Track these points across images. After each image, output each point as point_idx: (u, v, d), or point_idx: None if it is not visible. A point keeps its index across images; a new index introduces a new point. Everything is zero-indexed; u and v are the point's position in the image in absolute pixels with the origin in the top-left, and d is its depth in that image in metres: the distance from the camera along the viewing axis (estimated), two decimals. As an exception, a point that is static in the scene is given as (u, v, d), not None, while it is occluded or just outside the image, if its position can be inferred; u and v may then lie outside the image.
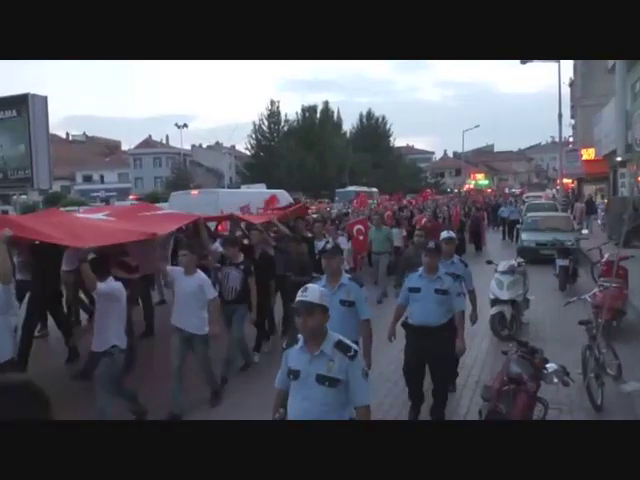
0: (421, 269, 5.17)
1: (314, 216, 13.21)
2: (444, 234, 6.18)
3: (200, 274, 5.75)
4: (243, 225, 9.41)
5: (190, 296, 5.63)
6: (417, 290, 5.08)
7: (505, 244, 20.12)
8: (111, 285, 5.08)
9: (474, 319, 6.26)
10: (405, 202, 23.42)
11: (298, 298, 2.95)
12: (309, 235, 9.45)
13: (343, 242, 10.02)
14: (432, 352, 4.97)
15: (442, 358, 5.05)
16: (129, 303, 7.43)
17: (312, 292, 2.97)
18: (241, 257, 6.73)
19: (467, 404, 5.61)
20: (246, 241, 8.31)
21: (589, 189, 29.89)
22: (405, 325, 5.25)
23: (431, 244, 5.23)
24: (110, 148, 74.00)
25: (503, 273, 8.40)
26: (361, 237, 11.93)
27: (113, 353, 5.01)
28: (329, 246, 4.83)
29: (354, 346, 2.98)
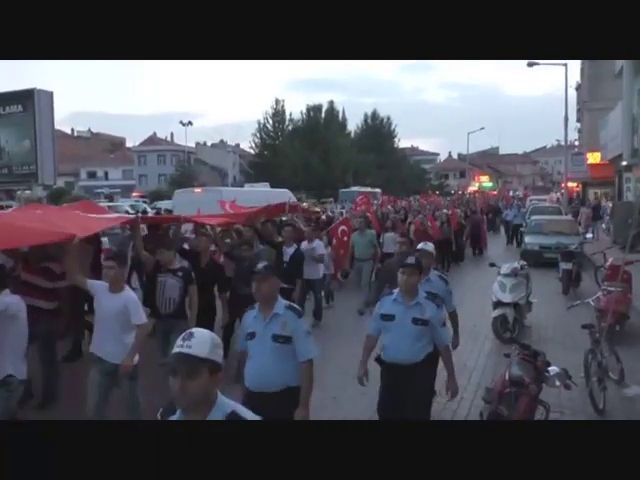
0: (396, 291, 4.18)
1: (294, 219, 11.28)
2: (420, 245, 5.23)
3: (128, 292, 4.66)
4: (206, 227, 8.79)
5: (112, 319, 4.53)
6: (391, 318, 4.11)
7: (509, 249, 19.51)
8: (4, 300, 4.11)
9: (455, 344, 5.25)
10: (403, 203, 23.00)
11: (175, 349, 2.04)
12: (278, 240, 8.07)
13: (320, 247, 8.97)
14: (408, 392, 4.06)
15: (420, 398, 4.14)
16: (55, 317, 5.84)
17: (199, 340, 2.03)
18: (178, 262, 5.72)
19: (468, 406, 5.61)
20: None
21: (594, 193, 29.79)
22: (379, 361, 4.29)
23: (410, 259, 4.19)
24: (115, 145, 74.13)
25: (506, 276, 8.40)
26: (345, 238, 11.05)
27: (9, 383, 4.07)
28: (260, 266, 3.60)
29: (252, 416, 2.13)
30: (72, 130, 75.17)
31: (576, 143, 45.20)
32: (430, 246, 5.19)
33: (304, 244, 8.62)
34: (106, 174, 63.11)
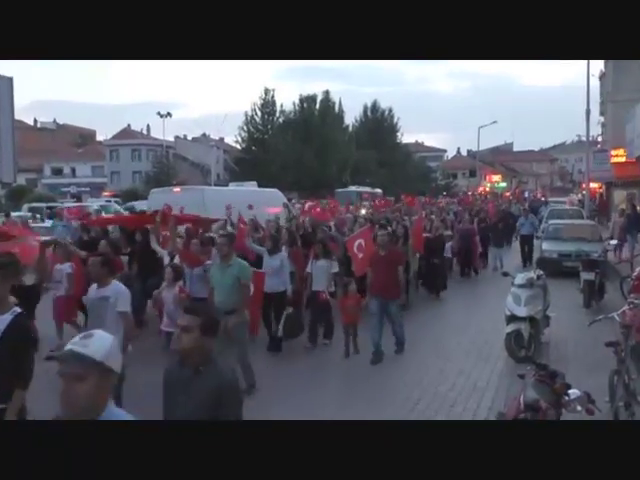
0: None
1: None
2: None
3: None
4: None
5: None
6: None
7: (519, 266, 15.79)
8: None
9: None
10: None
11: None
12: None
13: (121, 297, 5.43)
14: None
15: None
16: None
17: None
18: None
19: (478, 434, 5.59)
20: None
21: (620, 195, 29.94)
22: None
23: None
24: (83, 138, 74.09)
25: (521, 287, 8.40)
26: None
27: None
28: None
29: None
30: (35, 121, 75.20)
31: (599, 139, 45.52)
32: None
33: (92, 290, 5.63)
34: (73, 170, 62.99)
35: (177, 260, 8.43)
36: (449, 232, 15.03)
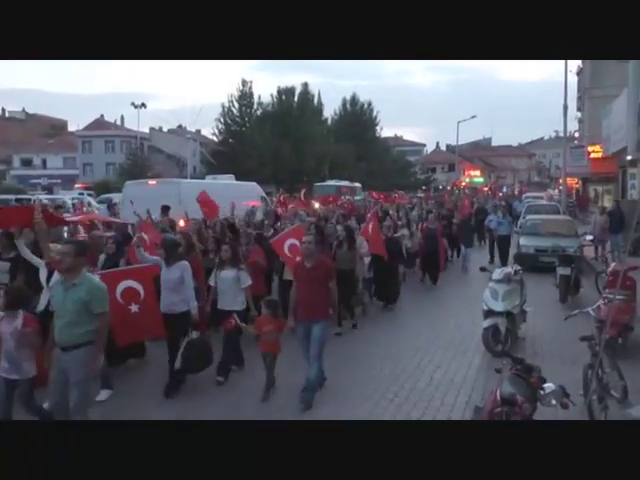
0: None
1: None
2: None
3: None
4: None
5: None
6: None
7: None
8: None
9: None
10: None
11: None
12: None
13: None
14: None
15: None
16: None
17: None
18: None
19: (455, 428, 5.66)
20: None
21: (595, 191, 30.43)
22: None
23: None
24: (55, 128, 72.77)
25: (498, 282, 8.51)
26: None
27: None
28: None
29: None
30: (2, 110, 73.52)
31: (576, 135, 46.20)
32: None
33: None
34: (44, 162, 61.89)
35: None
36: (405, 231, 13.40)
